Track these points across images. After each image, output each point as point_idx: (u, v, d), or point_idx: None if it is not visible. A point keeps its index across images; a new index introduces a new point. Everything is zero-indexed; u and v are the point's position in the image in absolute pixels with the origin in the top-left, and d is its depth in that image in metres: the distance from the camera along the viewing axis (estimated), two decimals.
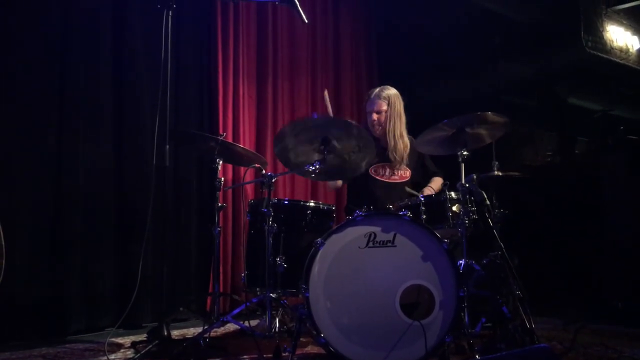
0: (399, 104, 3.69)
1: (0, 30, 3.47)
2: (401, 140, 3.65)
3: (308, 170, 2.94)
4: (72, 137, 3.71)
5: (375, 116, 3.66)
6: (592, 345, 3.14)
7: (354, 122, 3.02)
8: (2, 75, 3.49)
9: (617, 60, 6.00)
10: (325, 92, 3.86)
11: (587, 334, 3.44)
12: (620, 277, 4.32)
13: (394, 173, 3.69)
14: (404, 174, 3.72)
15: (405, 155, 3.67)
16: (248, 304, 3.27)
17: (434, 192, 3.63)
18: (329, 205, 3.35)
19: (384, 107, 3.64)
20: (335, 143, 2.95)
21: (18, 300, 3.40)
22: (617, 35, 6.05)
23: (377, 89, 3.71)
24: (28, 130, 3.55)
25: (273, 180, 3.05)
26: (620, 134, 5.15)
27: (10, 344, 3.19)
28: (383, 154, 3.67)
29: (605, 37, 5.89)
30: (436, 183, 3.76)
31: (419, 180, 3.81)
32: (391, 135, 3.65)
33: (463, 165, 2.99)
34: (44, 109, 3.63)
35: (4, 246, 2.77)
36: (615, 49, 5.99)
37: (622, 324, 3.71)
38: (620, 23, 6.14)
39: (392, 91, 3.70)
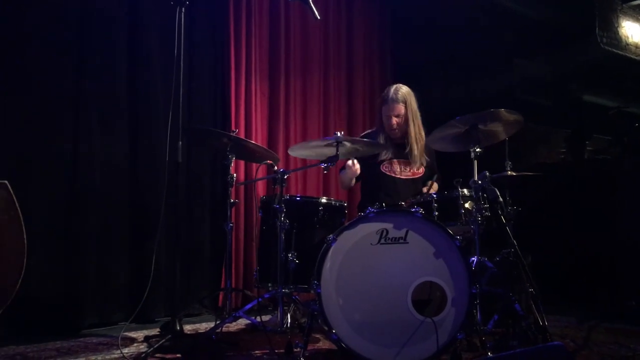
0: (415, 103, 3.66)
1: (17, 28, 3.51)
2: (420, 140, 3.64)
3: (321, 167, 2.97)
4: (87, 134, 3.74)
5: (394, 120, 3.61)
6: (605, 343, 3.12)
7: (364, 140, 3.07)
8: (20, 73, 3.52)
9: (632, 56, 5.95)
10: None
11: (600, 332, 3.42)
12: (634, 276, 4.28)
13: (407, 170, 3.69)
14: (417, 170, 3.70)
15: (423, 153, 3.67)
16: (260, 299, 3.29)
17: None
18: (341, 202, 3.35)
19: (403, 110, 3.61)
20: (347, 143, 2.99)
21: (33, 294, 3.42)
22: (633, 31, 6.00)
23: (392, 91, 3.64)
24: (44, 127, 3.58)
25: (285, 177, 3.06)
26: (635, 131, 5.09)
27: (25, 338, 3.22)
28: (397, 152, 3.66)
29: (620, 33, 5.84)
30: (432, 187, 3.72)
31: (428, 177, 3.80)
32: (412, 137, 3.63)
33: (476, 162, 2.98)
34: (60, 105, 3.66)
35: (26, 245, 2.78)
36: (631, 45, 5.94)
37: (637, 323, 3.67)
38: (635, 19, 6.08)
39: (405, 89, 3.66)
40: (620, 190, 4.64)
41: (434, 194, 3.22)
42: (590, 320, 3.61)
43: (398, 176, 3.67)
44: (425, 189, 3.64)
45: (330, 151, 2.98)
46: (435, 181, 3.79)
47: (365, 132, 3.95)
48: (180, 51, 3.10)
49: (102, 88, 3.83)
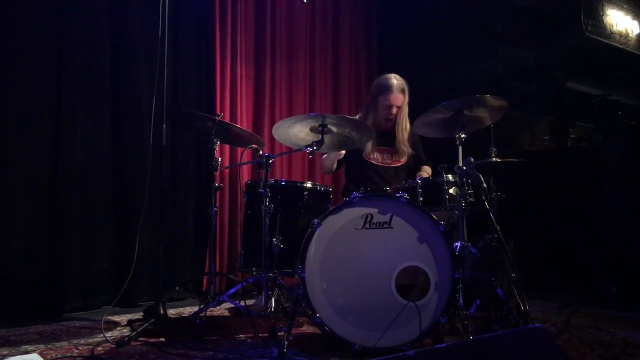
0: (408, 92, 3.67)
1: None
2: (406, 130, 3.67)
3: (307, 151, 2.95)
4: (70, 115, 3.69)
5: (395, 110, 3.62)
6: (585, 327, 3.16)
7: (350, 117, 3.07)
8: (0, 52, 3.45)
9: (617, 44, 5.98)
10: None
11: (580, 317, 3.46)
12: (614, 261, 4.34)
13: (390, 157, 3.70)
14: (400, 158, 3.71)
15: (407, 143, 3.68)
16: (244, 283, 3.29)
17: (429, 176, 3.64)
18: (326, 187, 3.35)
19: (402, 101, 3.62)
20: (332, 127, 2.96)
21: (15, 277, 3.41)
22: (617, 19, 6.02)
23: (394, 80, 3.60)
24: (26, 108, 3.53)
25: (270, 161, 3.04)
26: (618, 119, 5.13)
27: (7, 321, 3.20)
28: (382, 140, 3.66)
29: (605, 22, 5.86)
30: (427, 171, 3.76)
31: (411, 165, 3.81)
32: (399, 127, 3.66)
33: (460, 148, 2.99)
34: (42, 87, 3.60)
35: None
36: (615, 33, 5.96)
37: (616, 308, 3.73)
38: (620, 7, 6.10)
39: (403, 81, 3.65)
40: (601, 178, 4.69)
41: (419, 179, 3.23)
42: (570, 305, 3.66)
43: (381, 164, 3.68)
44: (423, 173, 3.67)
45: (316, 137, 2.96)
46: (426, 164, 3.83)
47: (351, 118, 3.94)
48: (165, 33, 3.06)
49: (85, 69, 3.78)
